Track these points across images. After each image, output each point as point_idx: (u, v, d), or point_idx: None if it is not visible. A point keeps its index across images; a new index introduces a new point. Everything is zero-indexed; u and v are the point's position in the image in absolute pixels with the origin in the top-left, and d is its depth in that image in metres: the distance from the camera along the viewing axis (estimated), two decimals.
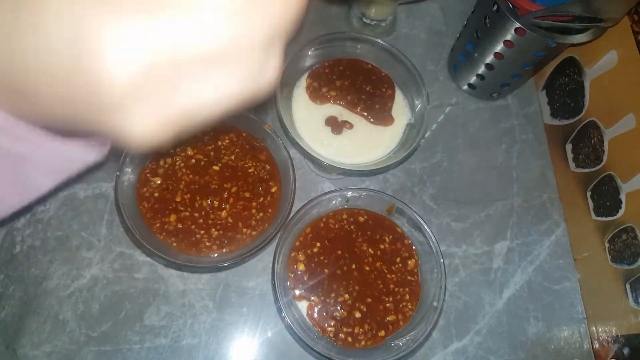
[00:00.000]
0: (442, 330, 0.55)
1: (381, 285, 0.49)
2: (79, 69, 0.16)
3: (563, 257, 0.61)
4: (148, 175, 0.49)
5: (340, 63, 0.56)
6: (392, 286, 0.49)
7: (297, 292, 0.48)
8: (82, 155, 0.26)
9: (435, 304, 0.47)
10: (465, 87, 0.67)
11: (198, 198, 0.48)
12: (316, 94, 0.54)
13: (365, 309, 0.47)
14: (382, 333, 0.47)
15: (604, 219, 0.57)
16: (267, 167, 0.51)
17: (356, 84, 0.56)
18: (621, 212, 0.54)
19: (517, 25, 0.52)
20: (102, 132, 0.19)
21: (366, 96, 0.55)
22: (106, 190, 0.55)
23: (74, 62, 0.16)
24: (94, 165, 0.27)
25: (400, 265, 0.50)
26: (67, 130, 0.21)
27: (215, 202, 0.48)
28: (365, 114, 0.54)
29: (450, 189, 0.62)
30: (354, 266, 0.49)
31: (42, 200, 0.51)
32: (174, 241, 0.47)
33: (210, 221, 0.48)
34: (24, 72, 0.18)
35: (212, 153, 0.50)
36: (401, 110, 0.56)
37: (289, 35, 0.20)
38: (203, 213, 0.48)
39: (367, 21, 0.67)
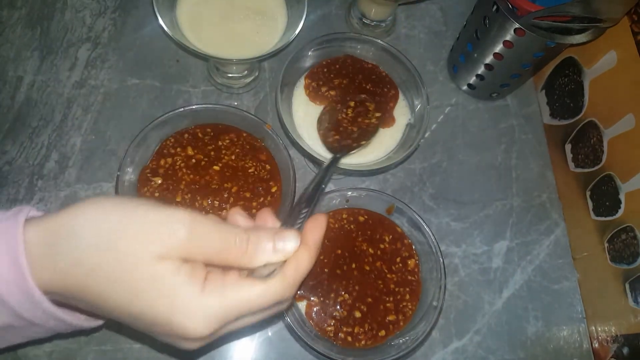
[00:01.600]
0: (442, 329, 0.55)
1: (381, 285, 0.49)
2: (165, 324, 0.26)
3: (562, 256, 0.61)
4: (149, 175, 0.49)
5: (337, 61, 0.57)
6: (392, 286, 0.49)
7: (297, 291, 0.48)
8: (87, 323, 0.32)
9: (434, 303, 0.47)
10: (465, 87, 0.67)
11: (198, 198, 0.48)
12: (315, 94, 0.55)
13: (365, 309, 0.48)
14: (383, 333, 0.47)
15: (603, 218, 0.57)
16: (268, 167, 0.51)
17: (355, 82, 0.56)
18: (620, 212, 0.54)
19: (517, 25, 0.52)
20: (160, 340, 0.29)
21: (367, 94, 0.55)
22: (107, 190, 0.55)
23: (164, 315, 0.25)
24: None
25: (400, 265, 0.50)
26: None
27: (215, 202, 0.48)
28: (362, 116, 0.54)
29: (449, 189, 0.62)
30: (353, 265, 0.49)
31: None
32: None
33: None
34: (119, 310, 0.26)
35: (212, 153, 0.51)
36: (401, 110, 0.57)
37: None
38: (203, 213, 0.48)
39: (367, 22, 0.67)
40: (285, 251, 0.28)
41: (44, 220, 0.26)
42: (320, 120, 0.53)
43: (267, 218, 0.32)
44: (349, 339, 0.47)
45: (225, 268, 0.27)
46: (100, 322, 0.32)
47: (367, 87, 0.56)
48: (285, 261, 0.28)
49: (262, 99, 0.62)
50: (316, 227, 0.30)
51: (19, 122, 0.56)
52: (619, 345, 0.53)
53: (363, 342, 0.47)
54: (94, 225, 0.25)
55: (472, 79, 0.65)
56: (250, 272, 0.28)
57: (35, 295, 0.25)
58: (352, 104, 0.53)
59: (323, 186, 0.36)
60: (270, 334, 0.52)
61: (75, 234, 0.25)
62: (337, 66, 0.56)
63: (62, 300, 0.27)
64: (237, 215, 0.31)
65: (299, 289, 0.47)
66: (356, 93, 0.55)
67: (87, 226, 0.25)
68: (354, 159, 0.53)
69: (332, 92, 0.55)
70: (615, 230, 0.54)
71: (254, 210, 0.49)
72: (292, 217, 0.32)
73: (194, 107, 0.50)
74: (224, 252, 0.27)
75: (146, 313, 0.25)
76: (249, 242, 0.27)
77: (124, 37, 0.63)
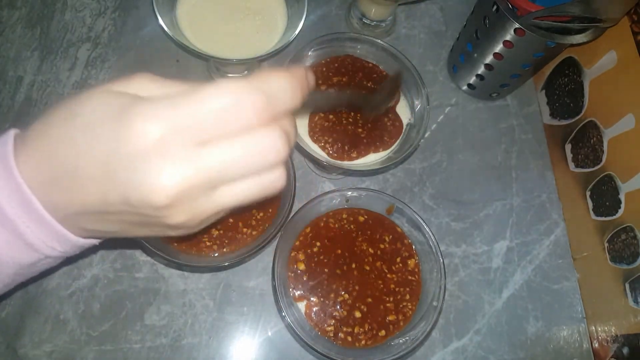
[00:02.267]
0: (442, 329, 0.55)
1: (381, 285, 0.49)
2: (134, 181, 0.21)
3: (562, 256, 0.61)
4: None
5: (336, 60, 0.57)
6: (392, 286, 0.49)
7: (297, 291, 0.48)
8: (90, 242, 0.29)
9: (434, 303, 0.47)
10: (465, 87, 0.67)
11: None
12: None
13: (365, 309, 0.48)
14: (383, 333, 0.47)
15: (603, 218, 0.57)
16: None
17: (355, 79, 0.56)
18: (620, 211, 0.54)
19: (517, 25, 0.52)
20: (122, 191, 0.22)
21: (367, 92, 0.55)
22: None
23: (130, 175, 0.21)
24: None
25: (400, 265, 0.50)
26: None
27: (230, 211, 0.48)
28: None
29: (449, 189, 0.62)
30: (353, 265, 0.49)
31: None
32: (174, 241, 0.47)
33: None
34: (92, 178, 0.22)
35: None
36: (401, 110, 0.56)
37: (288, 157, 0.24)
38: None
39: (367, 22, 0.67)
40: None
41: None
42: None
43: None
44: (349, 339, 0.47)
45: None
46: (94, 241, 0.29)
47: (368, 84, 0.56)
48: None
49: None
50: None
51: (19, 122, 0.56)
52: (619, 345, 0.53)
53: (363, 342, 0.47)
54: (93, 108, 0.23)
55: (472, 79, 0.65)
56: None
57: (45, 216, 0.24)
58: None
59: None
60: (270, 334, 0.52)
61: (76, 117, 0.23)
62: (337, 65, 0.56)
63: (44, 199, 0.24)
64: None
65: (299, 289, 0.48)
66: (355, 89, 0.55)
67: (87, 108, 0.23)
68: (354, 159, 0.53)
69: (331, 90, 0.55)
70: (615, 230, 0.54)
71: (253, 211, 0.49)
72: None
73: None
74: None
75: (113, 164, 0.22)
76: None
77: (124, 37, 0.63)
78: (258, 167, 0.23)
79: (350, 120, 0.54)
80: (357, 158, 0.52)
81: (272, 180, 0.24)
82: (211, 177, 0.22)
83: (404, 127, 0.55)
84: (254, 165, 0.23)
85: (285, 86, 0.23)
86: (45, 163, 0.23)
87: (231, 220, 0.48)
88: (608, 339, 0.55)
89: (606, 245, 0.56)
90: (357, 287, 0.48)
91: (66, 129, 0.23)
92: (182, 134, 0.21)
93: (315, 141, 0.52)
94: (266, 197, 0.24)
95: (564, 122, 0.64)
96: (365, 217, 0.52)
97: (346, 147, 0.52)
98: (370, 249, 0.50)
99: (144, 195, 0.21)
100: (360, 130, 0.53)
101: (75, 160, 0.22)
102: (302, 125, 0.53)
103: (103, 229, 0.26)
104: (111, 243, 0.52)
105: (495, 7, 0.54)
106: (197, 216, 0.23)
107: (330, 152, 0.52)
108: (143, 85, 0.23)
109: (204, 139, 0.21)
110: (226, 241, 0.48)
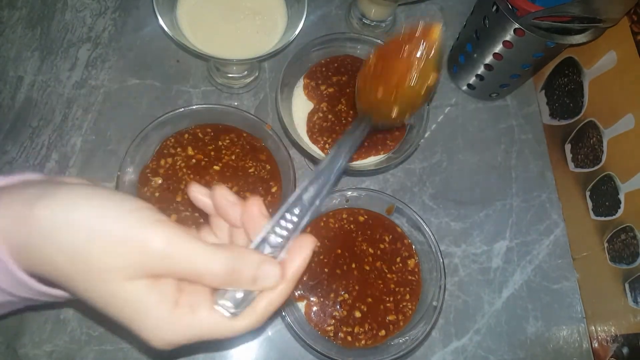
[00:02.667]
0: (442, 329, 0.55)
1: (381, 285, 0.49)
2: (135, 332, 0.26)
3: (562, 256, 0.61)
4: (149, 175, 0.49)
5: (336, 60, 0.57)
6: (392, 286, 0.49)
7: (297, 291, 0.48)
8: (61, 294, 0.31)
9: (434, 303, 0.47)
10: (465, 87, 0.67)
11: None
12: (314, 93, 0.55)
13: (365, 309, 0.48)
14: (383, 333, 0.47)
15: (603, 218, 0.57)
16: (268, 167, 0.51)
17: (355, 78, 0.56)
18: (620, 211, 0.54)
19: (516, 25, 0.52)
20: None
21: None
22: None
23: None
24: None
25: (400, 265, 0.50)
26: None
27: None
28: None
29: (449, 189, 0.62)
30: (353, 265, 0.49)
31: None
32: None
33: None
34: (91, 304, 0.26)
35: (212, 153, 0.51)
36: None
37: None
38: (204, 213, 0.48)
39: (367, 22, 0.67)
40: (263, 286, 0.27)
41: (16, 211, 0.25)
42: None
43: (258, 209, 0.29)
44: (349, 338, 0.47)
45: (194, 287, 0.27)
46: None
47: None
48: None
49: (262, 99, 0.62)
50: (301, 253, 0.28)
51: (20, 122, 0.56)
52: (618, 345, 0.53)
53: (363, 342, 0.47)
54: (66, 221, 0.24)
55: (472, 79, 0.65)
56: (220, 296, 0.27)
57: (24, 279, 0.25)
58: None
59: (329, 188, 0.32)
60: (270, 334, 0.52)
61: (47, 221, 0.24)
62: (336, 65, 0.56)
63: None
64: (224, 200, 0.29)
65: (299, 288, 0.48)
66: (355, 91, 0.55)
67: (60, 218, 0.24)
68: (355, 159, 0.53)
69: (331, 90, 0.55)
70: (615, 230, 0.55)
71: None
72: (281, 220, 0.29)
73: (194, 107, 0.50)
74: (200, 276, 0.25)
75: (117, 319, 0.26)
76: (226, 269, 0.25)
77: (124, 37, 0.63)
78: None
79: (350, 119, 0.54)
80: (357, 159, 0.52)
81: None
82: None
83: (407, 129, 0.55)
84: None
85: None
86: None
87: None
88: (608, 338, 0.55)
89: (606, 245, 0.56)
90: (357, 287, 0.48)
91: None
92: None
93: (314, 142, 0.52)
94: None
95: (563, 122, 0.64)
96: (365, 217, 0.52)
97: None
98: (370, 249, 0.50)
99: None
100: None
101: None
102: (301, 125, 0.53)
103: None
104: None
105: (495, 7, 0.54)
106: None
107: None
108: (160, 261, 0.25)
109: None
110: None
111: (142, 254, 0.24)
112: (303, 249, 0.28)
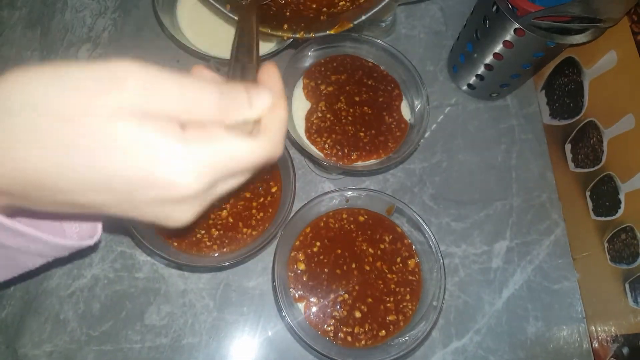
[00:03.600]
0: (442, 329, 0.55)
1: (382, 285, 0.49)
2: (147, 181, 0.21)
3: (562, 256, 0.61)
4: None
5: (335, 60, 0.57)
6: (392, 286, 0.49)
7: (297, 291, 0.48)
8: (73, 244, 0.29)
9: (434, 303, 0.47)
10: (465, 87, 0.67)
11: None
12: (314, 93, 0.54)
13: (365, 309, 0.48)
14: (383, 333, 0.47)
15: (603, 218, 0.57)
16: (268, 167, 0.51)
17: (355, 77, 0.56)
18: (620, 212, 0.54)
19: (517, 25, 0.52)
20: (143, 220, 0.24)
21: (367, 88, 0.55)
22: None
23: (141, 174, 0.21)
24: (87, 249, 0.31)
25: (400, 265, 0.50)
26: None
27: (215, 202, 0.48)
28: (366, 108, 0.54)
29: (449, 189, 0.62)
30: (353, 265, 0.49)
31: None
32: (174, 241, 0.47)
33: (210, 221, 0.48)
34: (80, 184, 0.21)
35: None
36: (401, 110, 0.56)
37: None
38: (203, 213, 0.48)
39: (367, 22, 0.67)
40: (261, 107, 0.25)
41: None
42: None
43: (204, 72, 0.27)
44: (349, 339, 0.47)
45: (200, 124, 0.23)
46: (90, 240, 0.30)
47: (369, 82, 0.56)
48: (259, 120, 0.25)
49: None
50: (272, 76, 0.27)
51: None
52: (618, 345, 0.53)
53: (363, 342, 0.47)
54: (23, 91, 0.20)
55: (472, 79, 0.65)
56: (230, 131, 0.24)
57: None
58: None
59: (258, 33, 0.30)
60: (270, 334, 0.52)
61: (1, 110, 0.20)
62: (335, 64, 0.56)
63: (11, 202, 0.23)
64: (204, 70, 0.26)
65: (299, 289, 0.48)
66: (355, 86, 0.55)
67: (15, 95, 0.20)
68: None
69: (330, 89, 0.54)
70: (615, 230, 0.54)
71: (253, 211, 0.49)
72: (238, 73, 0.28)
73: None
74: (192, 107, 0.22)
75: (121, 177, 0.21)
76: (221, 97, 0.23)
77: (124, 37, 0.63)
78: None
79: (350, 118, 0.54)
80: (357, 161, 0.52)
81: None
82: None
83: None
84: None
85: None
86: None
87: (231, 220, 0.48)
88: (608, 339, 0.55)
89: (606, 245, 0.56)
90: (357, 287, 0.48)
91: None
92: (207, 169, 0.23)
93: (312, 142, 0.52)
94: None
95: (564, 122, 0.64)
96: (365, 217, 0.52)
97: (346, 150, 0.52)
98: (370, 249, 0.50)
99: (167, 189, 0.22)
100: (362, 134, 0.53)
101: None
102: (301, 125, 0.53)
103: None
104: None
105: (495, 7, 0.54)
106: (199, 209, 0.25)
107: (329, 153, 0.52)
108: (141, 97, 0.21)
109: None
110: (226, 241, 0.48)
111: (120, 88, 0.20)
112: (272, 70, 0.27)
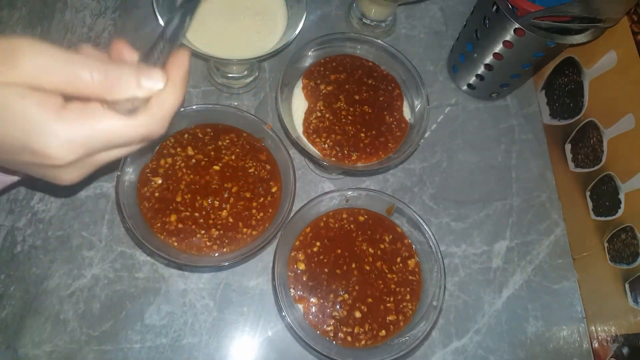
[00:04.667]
0: (442, 329, 0.55)
1: (382, 285, 0.49)
2: (26, 149, 0.25)
3: (562, 256, 0.61)
4: (149, 175, 0.49)
5: (334, 59, 0.57)
6: (393, 286, 0.49)
7: (297, 291, 0.48)
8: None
9: (434, 303, 0.47)
10: (465, 87, 0.67)
11: (198, 198, 0.48)
12: (313, 93, 0.54)
13: (365, 309, 0.48)
14: (383, 333, 0.47)
15: (603, 218, 0.57)
16: (268, 167, 0.51)
17: (355, 76, 0.56)
18: (620, 211, 0.54)
19: (517, 25, 0.52)
20: (34, 175, 0.28)
21: (367, 87, 0.55)
22: (107, 190, 0.55)
23: (24, 139, 0.24)
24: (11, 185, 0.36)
25: (400, 265, 0.50)
26: None
27: (215, 202, 0.48)
28: (366, 107, 0.54)
29: (449, 189, 0.62)
30: (353, 265, 0.49)
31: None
32: (174, 241, 0.47)
33: (210, 221, 0.48)
34: None
35: (212, 153, 0.51)
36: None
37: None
38: (204, 213, 0.48)
39: (367, 22, 0.67)
40: (150, 88, 0.27)
41: None
42: None
43: (123, 50, 0.30)
44: (349, 339, 0.47)
45: (84, 100, 0.26)
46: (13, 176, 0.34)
47: (369, 81, 0.56)
48: (149, 99, 0.28)
49: (262, 99, 0.62)
50: (180, 63, 0.29)
51: None
52: (618, 345, 0.53)
53: (363, 342, 0.47)
54: None
55: (472, 79, 0.65)
56: (112, 106, 0.26)
57: None
58: None
59: (184, 20, 0.32)
60: (270, 334, 0.52)
61: None
62: (334, 64, 0.56)
63: None
64: (91, 49, 0.29)
65: (298, 289, 0.48)
66: (355, 85, 0.55)
67: None
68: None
69: (330, 88, 0.54)
70: (615, 230, 0.54)
71: (254, 211, 0.49)
72: (151, 54, 0.30)
73: (194, 107, 0.50)
74: (75, 82, 0.24)
75: (3, 142, 0.25)
76: (107, 75, 0.25)
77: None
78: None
79: (350, 118, 0.54)
80: (357, 162, 0.52)
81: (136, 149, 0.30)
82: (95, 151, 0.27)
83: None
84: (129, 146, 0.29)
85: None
86: None
87: (231, 220, 0.48)
88: (608, 338, 0.55)
89: (606, 245, 0.56)
90: (357, 287, 0.48)
91: None
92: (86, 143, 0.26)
93: (312, 142, 0.52)
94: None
95: (563, 122, 0.64)
96: (365, 217, 0.52)
97: (345, 151, 0.52)
98: (370, 249, 0.50)
99: (44, 159, 0.25)
100: (362, 135, 0.53)
101: None
102: (299, 125, 0.53)
103: None
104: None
105: (495, 7, 0.54)
106: (83, 174, 0.29)
107: (329, 154, 0.52)
108: (31, 72, 0.24)
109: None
110: (226, 241, 0.48)
111: (6, 61, 0.23)
112: (181, 58, 0.30)
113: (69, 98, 0.25)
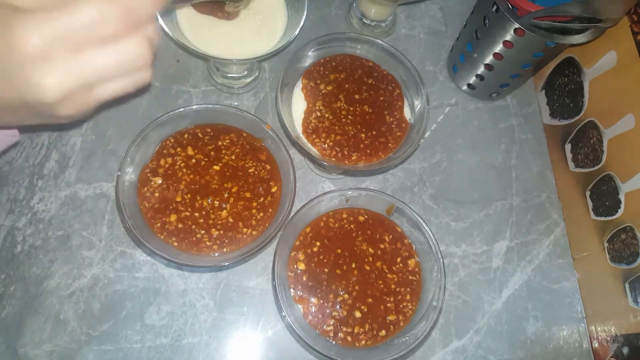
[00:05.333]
0: (442, 329, 0.55)
1: (382, 285, 0.49)
2: None
3: (562, 256, 0.61)
4: (149, 175, 0.49)
5: (334, 59, 0.57)
6: (393, 286, 0.49)
7: (297, 291, 0.48)
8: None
9: (434, 303, 0.47)
10: (465, 87, 0.67)
11: (198, 198, 0.48)
12: (312, 93, 0.54)
13: (365, 309, 0.48)
14: (383, 333, 0.47)
15: (603, 218, 0.57)
16: (268, 167, 0.51)
17: (355, 75, 0.56)
18: (620, 211, 0.54)
19: (517, 25, 0.52)
20: (18, 91, 0.26)
21: (367, 87, 0.55)
22: (107, 190, 0.55)
23: None
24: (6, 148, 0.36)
25: (400, 265, 0.50)
26: None
27: (215, 202, 0.48)
28: (366, 106, 0.54)
29: (449, 189, 0.62)
30: (353, 265, 0.49)
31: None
32: (174, 241, 0.47)
33: (210, 221, 0.48)
34: None
35: (212, 153, 0.51)
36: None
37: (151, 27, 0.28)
38: (204, 213, 0.48)
39: (367, 22, 0.67)
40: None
41: None
42: None
43: None
44: (349, 339, 0.47)
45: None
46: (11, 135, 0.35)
47: (369, 81, 0.56)
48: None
49: (262, 99, 0.62)
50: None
51: None
52: (618, 345, 0.53)
53: (363, 342, 0.47)
54: None
55: (472, 79, 0.65)
56: None
57: None
58: None
59: None
60: (270, 334, 0.52)
61: None
62: (334, 63, 0.56)
63: None
64: None
65: (299, 289, 0.48)
66: (355, 85, 0.55)
67: None
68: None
69: (329, 88, 0.54)
70: (615, 230, 0.55)
71: (254, 211, 0.49)
72: None
73: (194, 107, 0.50)
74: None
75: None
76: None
77: None
78: (127, 69, 0.28)
79: (350, 117, 0.53)
80: (357, 162, 0.52)
81: (140, 79, 0.30)
82: (89, 78, 0.27)
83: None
84: (123, 68, 0.28)
85: None
86: None
87: (231, 220, 0.48)
88: (608, 338, 0.55)
89: (606, 245, 0.56)
90: (357, 287, 0.48)
91: None
92: (60, 42, 0.25)
93: (311, 142, 0.52)
94: (137, 89, 0.30)
95: (563, 122, 0.64)
96: (365, 217, 0.52)
97: (345, 152, 0.52)
98: (370, 249, 0.50)
99: (37, 95, 0.26)
100: (363, 136, 0.53)
101: None
102: (299, 125, 0.53)
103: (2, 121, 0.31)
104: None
105: (495, 7, 0.54)
106: (81, 108, 0.28)
107: (329, 154, 0.52)
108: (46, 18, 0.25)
109: (80, 47, 0.26)
110: (226, 241, 0.48)
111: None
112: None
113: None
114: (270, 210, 0.50)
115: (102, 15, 0.26)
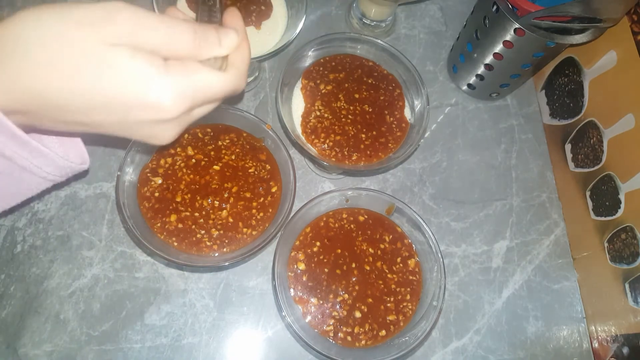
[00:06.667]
0: (442, 329, 0.55)
1: (382, 285, 0.49)
2: (140, 104, 0.26)
3: (562, 256, 0.61)
4: (149, 175, 0.49)
5: (334, 59, 0.57)
6: (393, 286, 0.49)
7: (297, 291, 0.48)
8: (73, 166, 0.34)
9: (434, 303, 0.47)
10: (465, 87, 0.67)
11: (198, 198, 0.48)
12: (312, 93, 0.54)
13: (365, 309, 0.48)
14: (383, 333, 0.47)
15: (603, 218, 0.57)
16: (268, 167, 0.51)
17: (354, 75, 0.56)
18: (620, 211, 0.54)
19: (517, 25, 0.52)
20: (132, 137, 0.30)
21: (367, 86, 0.55)
22: (107, 190, 0.55)
23: (136, 99, 0.26)
24: (78, 174, 0.36)
25: (401, 265, 0.50)
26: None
27: (215, 201, 0.48)
28: (366, 106, 0.54)
29: (449, 189, 0.62)
30: (353, 265, 0.49)
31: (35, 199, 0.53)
32: (174, 241, 0.47)
33: (210, 221, 0.48)
34: (85, 104, 0.26)
35: (212, 153, 0.51)
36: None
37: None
38: (204, 213, 0.48)
39: (367, 22, 0.67)
40: (228, 46, 0.30)
41: None
42: None
43: (179, 15, 0.32)
44: (349, 338, 0.47)
45: (178, 59, 0.28)
46: (83, 160, 0.36)
47: (369, 81, 0.56)
48: (225, 57, 0.30)
49: (262, 99, 0.62)
50: (235, 18, 0.32)
51: None
52: (618, 345, 0.53)
53: (363, 342, 0.47)
54: (34, 27, 0.24)
55: (472, 79, 0.65)
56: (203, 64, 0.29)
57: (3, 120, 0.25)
58: None
59: None
60: (270, 334, 0.52)
61: (17, 42, 0.24)
62: (334, 63, 0.56)
63: (27, 122, 0.27)
64: (177, 12, 0.32)
65: (299, 289, 0.48)
66: (355, 84, 0.55)
67: (27, 30, 0.24)
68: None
69: (329, 87, 0.54)
70: (615, 230, 0.55)
71: (254, 211, 0.49)
72: (206, 14, 0.33)
73: None
74: (173, 44, 0.27)
75: (119, 99, 0.26)
76: (196, 35, 0.28)
77: None
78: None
79: (350, 117, 0.53)
80: (357, 162, 0.52)
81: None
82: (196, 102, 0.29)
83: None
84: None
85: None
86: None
87: (231, 220, 0.48)
88: (608, 338, 0.55)
89: (606, 245, 0.56)
90: (357, 287, 0.48)
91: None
92: (188, 101, 0.28)
93: (311, 143, 0.52)
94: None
95: (563, 122, 0.64)
96: (365, 217, 0.52)
97: (345, 152, 0.52)
98: (370, 249, 0.50)
99: (154, 114, 0.28)
100: (363, 136, 0.53)
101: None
102: (299, 125, 0.53)
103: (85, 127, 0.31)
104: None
105: (495, 7, 0.54)
106: (181, 130, 0.31)
107: (329, 154, 0.52)
108: (131, 32, 0.26)
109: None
110: (226, 241, 0.48)
111: (115, 25, 0.25)
112: (235, 13, 0.32)
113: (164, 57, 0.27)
114: (270, 210, 0.50)
115: (223, 89, 0.30)
